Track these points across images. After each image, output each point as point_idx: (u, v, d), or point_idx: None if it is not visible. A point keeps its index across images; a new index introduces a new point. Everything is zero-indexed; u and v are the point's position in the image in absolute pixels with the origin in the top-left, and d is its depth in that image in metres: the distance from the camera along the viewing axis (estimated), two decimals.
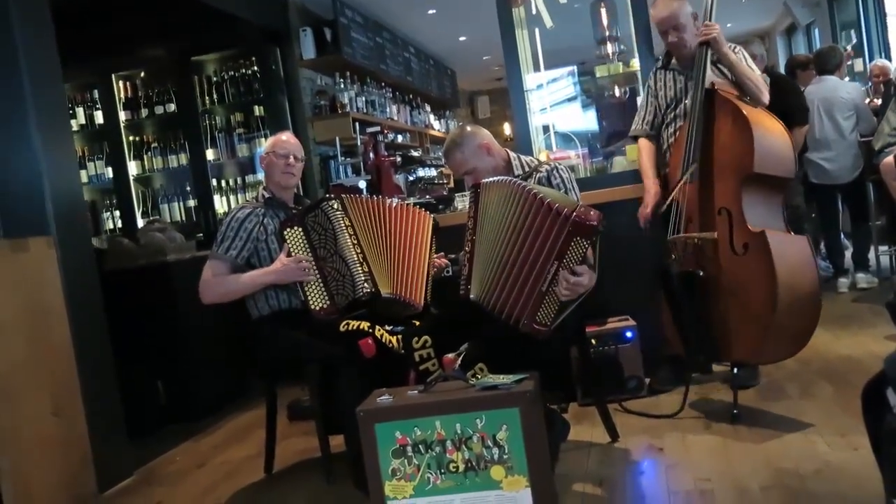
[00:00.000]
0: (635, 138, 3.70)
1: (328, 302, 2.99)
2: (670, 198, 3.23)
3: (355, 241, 3.01)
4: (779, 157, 3.04)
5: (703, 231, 3.13)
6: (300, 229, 3.04)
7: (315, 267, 3.01)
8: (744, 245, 2.99)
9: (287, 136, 3.30)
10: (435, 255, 3.24)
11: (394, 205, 3.17)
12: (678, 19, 3.35)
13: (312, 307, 2.99)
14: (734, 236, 3.02)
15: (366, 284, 2.96)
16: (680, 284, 3.13)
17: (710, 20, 3.24)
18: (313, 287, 3.00)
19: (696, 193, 3.17)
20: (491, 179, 2.90)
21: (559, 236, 2.57)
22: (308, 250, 3.03)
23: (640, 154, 3.62)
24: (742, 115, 3.03)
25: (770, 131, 3.05)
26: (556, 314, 2.63)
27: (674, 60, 3.53)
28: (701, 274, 3.09)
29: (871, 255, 5.47)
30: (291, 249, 3.02)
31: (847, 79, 6.01)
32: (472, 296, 2.82)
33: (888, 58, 7.40)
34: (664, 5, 3.38)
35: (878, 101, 5.65)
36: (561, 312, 2.63)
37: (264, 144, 3.35)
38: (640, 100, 3.90)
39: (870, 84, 6.31)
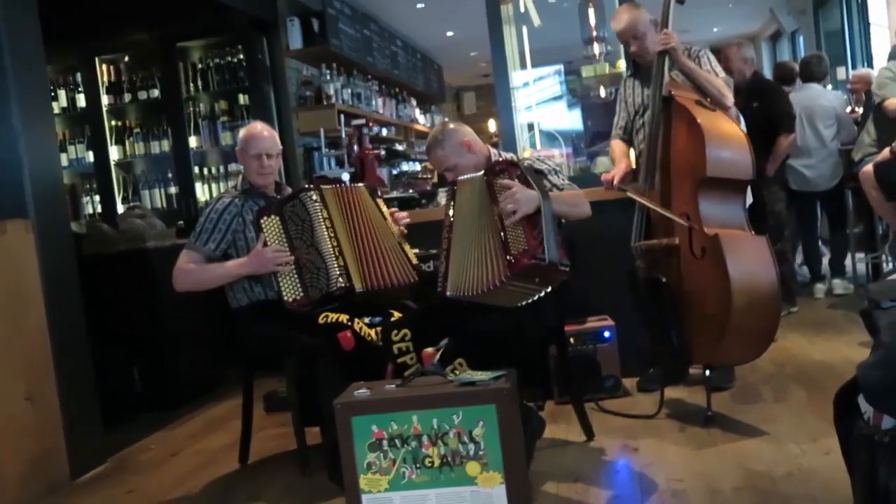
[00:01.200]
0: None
1: (301, 294, 2.96)
2: (639, 199, 3.25)
3: (332, 234, 2.98)
4: (733, 161, 3.08)
5: (666, 236, 3.16)
6: (277, 218, 3.02)
7: (290, 257, 2.99)
8: (702, 249, 3.02)
9: (259, 130, 3.18)
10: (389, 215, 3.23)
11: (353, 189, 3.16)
12: (637, 28, 3.44)
13: (286, 298, 2.96)
14: (693, 241, 3.05)
15: (340, 279, 2.92)
16: (646, 290, 3.16)
17: (668, 28, 3.29)
18: (287, 278, 2.97)
19: (658, 200, 3.21)
20: (466, 177, 2.91)
21: (487, 190, 2.76)
22: (284, 240, 3.00)
23: (613, 149, 3.73)
24: (695, 120, 3.06)
25: (724, 135, 3.09)
26: (526, 234, 2.64)
27: (641, 68, 3.59)
28: (664, 280, 3.12)
29: (848, 261, 5.53)
30: (267, 238, 3.00)
31: (829, 87, 6.07)
32: (448, 293, 2.83)
33: (871, 66, 7.47)
34: (623, 16, 3.47)
35: (860, 111, 5.71)
36: (533, 229, 2.65)
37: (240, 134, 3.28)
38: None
39: (851, 93, 6.36)
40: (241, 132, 3.25)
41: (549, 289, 2.73)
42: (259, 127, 3.22)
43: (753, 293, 2.91)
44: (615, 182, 3.45)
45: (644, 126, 3.51)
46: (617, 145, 3.71)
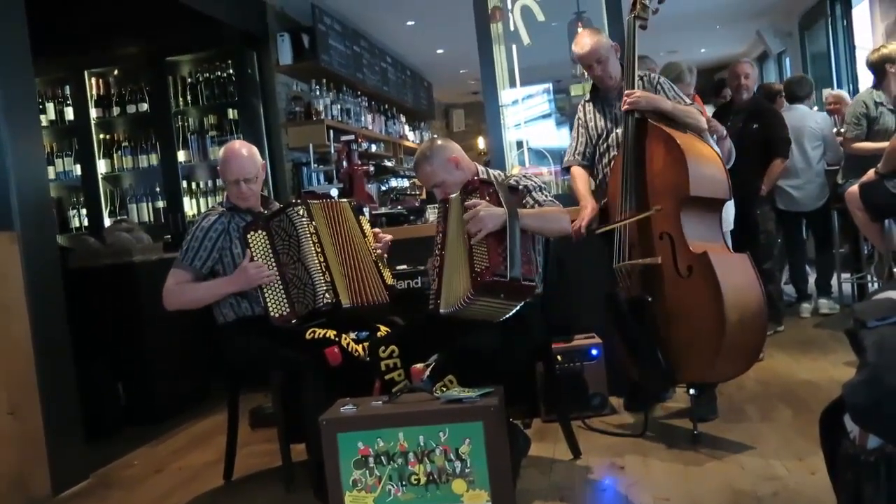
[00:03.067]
0: (567, 169, 3.75)
1: (288, 309, 2.95)
2: (614, 226, 3.24)
3: (319, 250, 2.99)
4: (712, 180, 3.12)
5: (646, 256, 3.17)
6: (264, 233, 3.01)
7: (277, 272, 2.98)
8: (688, 267, 3.02)
9: (237, 150, 3.11)
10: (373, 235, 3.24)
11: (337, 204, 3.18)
12: (600, 53, 3.46)
13: (272, 313, 2.95)
14: (678, 259, 3.06)
15: (327, 295, 2.93)
16: (629, 311, 3.16)
17: (634, 51, 3.28)
18: (273, 293, 2.96)
19: (636, 222, 3.21)
20: (454, 195, 2.93)
21: (461, 209, 2.81)
22: (271, 255, 3.00)
23: (575, 180, 3.64)
24: (674, 141, 3.10)
25: (702, 155, 3.13)
26: (490, 251, 2.67)
27: (600, 92, 3.61)
28: (650, 299, 3.12)
29: (834, 281, 5.56)
30: (254, 253, 2.99)
31: (815, 108, 6.12)
32: (441, 310, 2.83)
33: (856, 88, 7.55)
34: (585, 40, 3.48)
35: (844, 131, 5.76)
36: (498, 245, 2.68)
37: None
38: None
39: (831, 114, 6.41)
40: (220, 153, 3.20)
41: (520, 303, 2.74)
42: (237, 147, 3.16)
43: (744, 308, 2.93)
44: (583, 229, 3.39)
45: (609, 150, 3.53)
46: (579, 174, 3.61)
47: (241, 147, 3.16)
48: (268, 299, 2.96)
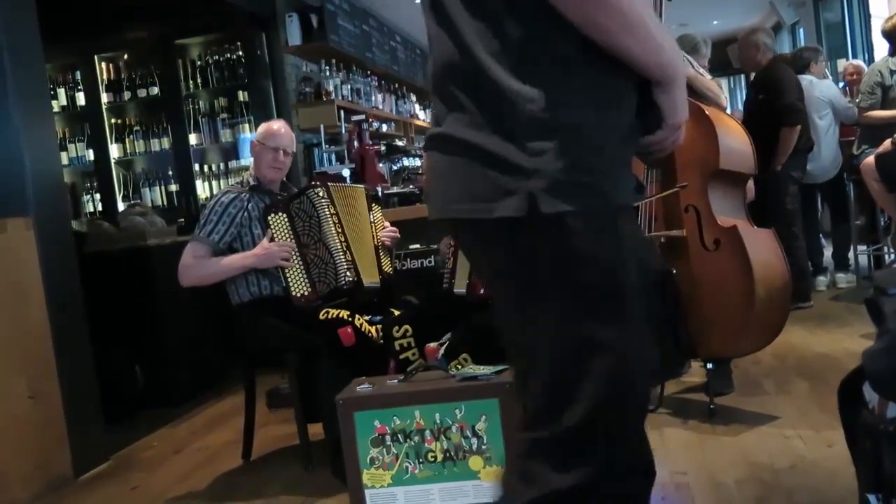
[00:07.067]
0: None
1: (309, 289, 3.00)
2: (652, 198, 3.21)
3: (339, 230, 3.03)
4: (741, 154, 3.09)
5: (670, 229, 3.14)
6: (284, 215, 3.04)
7: (298, 253, 3.01)
8: (715, 241, 3.00)
9: (279, 126, 3.24)
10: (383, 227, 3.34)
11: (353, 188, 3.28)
12: None
13: (294, 294, 2.99)
14: (704, 233, 3.03)
15: (348, 273, 2.98)
16: (653, 283, 3.14)
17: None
18: (295, 273, 3.00)
19: (660, 192, 3.18)
20: None
21: None
22: (291, 237, 3.03)
23: None
24: (704, 113, 3.05)
25: (731, 129, 3.11)
26: None
27: None
28: (674, 272, 3.10)
29: (851, 254, 5.52)
30: (275, 235, 3.02)
31: (830, 78, 6.05)
32: (456, 290, 2.84)
33: (871, 58, 7.45)
34: None
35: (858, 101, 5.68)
36: None
37: (253, 129, 3.35)
38: None
39: (844, 84, 6.32)
40: (262, 126, 3.30)
41: None
42: (281, 123, 3.29)
43: (772, 284, 2.92)
44: None
45: None
46: None
47: (284, 125, 3.30)
48: (290, 280, 3.00)
